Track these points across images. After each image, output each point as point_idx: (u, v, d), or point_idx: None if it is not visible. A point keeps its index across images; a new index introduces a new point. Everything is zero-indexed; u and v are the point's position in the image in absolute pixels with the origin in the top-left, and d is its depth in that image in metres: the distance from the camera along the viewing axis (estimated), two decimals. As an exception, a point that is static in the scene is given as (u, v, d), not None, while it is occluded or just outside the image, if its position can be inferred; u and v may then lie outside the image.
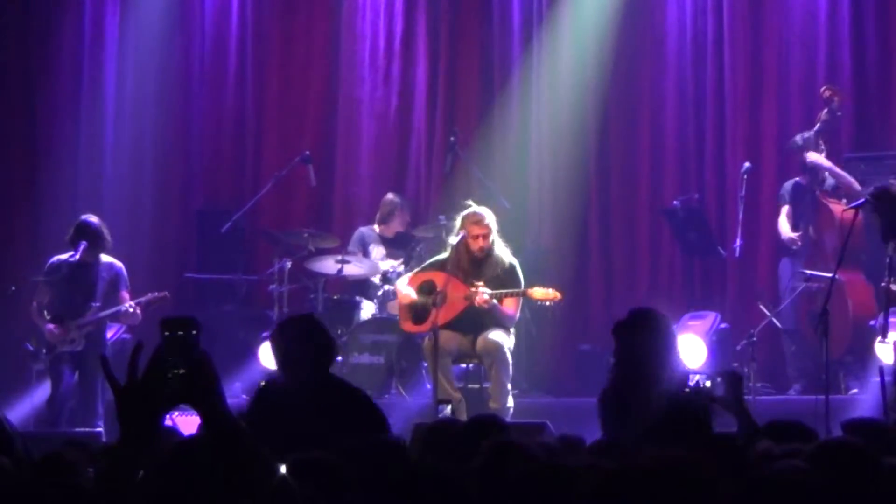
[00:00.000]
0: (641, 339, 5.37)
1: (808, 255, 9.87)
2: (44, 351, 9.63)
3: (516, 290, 9.09)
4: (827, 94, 10.07)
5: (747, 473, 3.32)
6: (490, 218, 9.24)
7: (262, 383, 6.33)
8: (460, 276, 9.16)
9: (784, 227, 10.06)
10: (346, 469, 4.15)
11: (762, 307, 9.53)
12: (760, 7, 11.27)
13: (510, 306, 9.16)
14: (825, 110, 10.03)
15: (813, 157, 9.94)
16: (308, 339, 5.81)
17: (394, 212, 11.13)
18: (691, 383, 5.19)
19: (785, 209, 10.14)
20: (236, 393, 10.61)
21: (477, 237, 9.14)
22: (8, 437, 4.92)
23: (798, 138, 10.17)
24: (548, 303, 9.18)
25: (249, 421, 5.41)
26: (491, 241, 9.19)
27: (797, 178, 10.21)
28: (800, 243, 9.92)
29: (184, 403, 2.95)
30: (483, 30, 11.99)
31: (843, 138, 10.73)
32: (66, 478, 4.04)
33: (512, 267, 9.22)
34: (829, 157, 10.08)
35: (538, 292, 9.09)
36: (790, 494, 3.19)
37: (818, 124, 10.03)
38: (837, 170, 9.99)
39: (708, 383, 5.16)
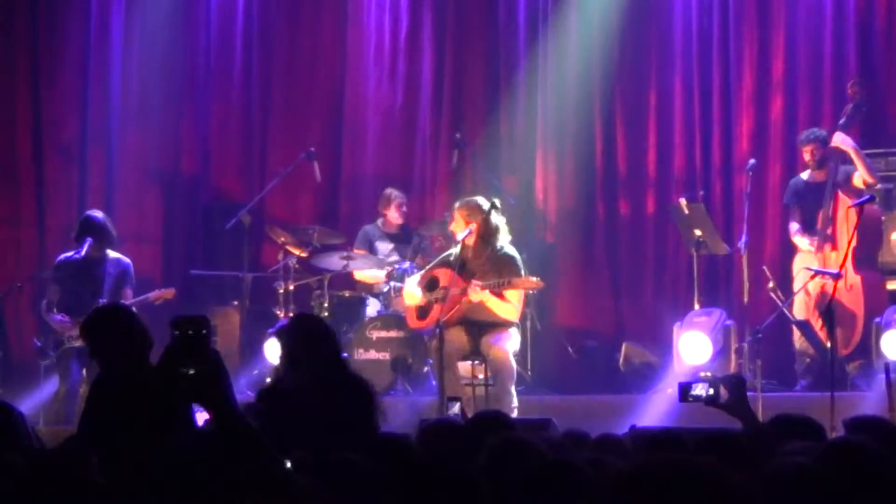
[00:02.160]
0: (305, 341, 5.78)
1: (825, 252, 9.84)
2: (52, 347, 9.65)
3: (500, 280, 9.07)
4: (853, 89, 10.05)
5: (755, 472, 3.32)
6: (467, 206, 9.24)
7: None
8: (465, 274, 9.17)
9: (801, 242, 9.99)
10: (353, 465, 4.16)
11: (773, 296, 9.52)
12: (766, 2, 11.26)
13: (510, 298, 9.13)
14: (850, 105, 10.01)
15: (840, 137, 9.88)
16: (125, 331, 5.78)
17: (387, 204, 11.16)
18: (694, 392, 5.11)
19: (796, 216, 10.09)
20: (242, 389, 10.61)
21: (457, 222, 9.21)
22: (20, 434, 4.95)
23: (807, 134, 10.11)
24: (531, 291, 9.21)
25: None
26: (476, 227, 9.16)
27: (801, 178, 10.19)
28: (815, 248, 9.87)
29: (194, 402, 2.96)
30: (489, 25, 11.99)
31: (850, 134, 10.71)
32: (74, 471, 4.05)
33: (507, 255, 9.20)
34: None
35: (521, 282, 9.09)
36: (797, 491, 3.19)
37: (843, 118, 10.00)
38: (861, 154, 9.93)
39: (711, 390, 5.08)
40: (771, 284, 9.56)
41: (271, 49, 12.36)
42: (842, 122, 10.00)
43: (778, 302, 9.43)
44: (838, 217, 9.79)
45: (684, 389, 5.14)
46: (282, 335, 5.99)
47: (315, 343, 5.83)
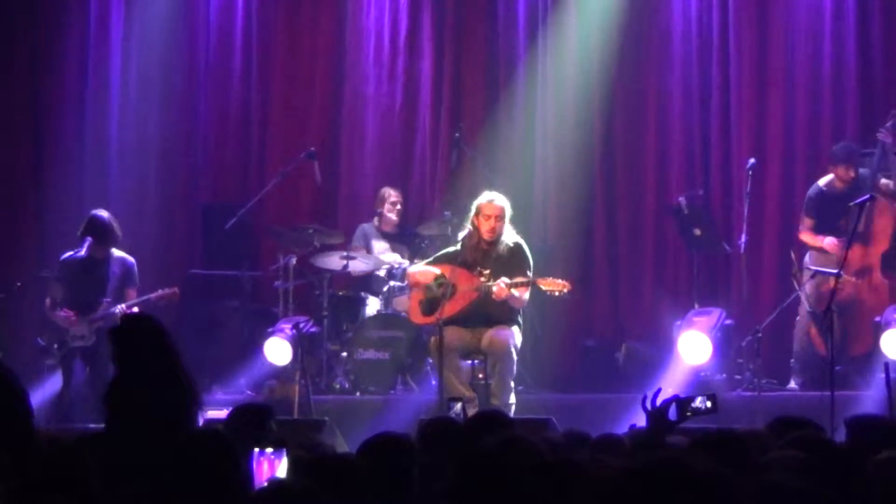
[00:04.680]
0: (138, 343, 5.77)
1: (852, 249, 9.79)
2: (55, 346, 9.62)
3: (526, 279, 9.08)
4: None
5: (750, 471, 3.33)
6: (503, 201, 9.25)
7: None
8: (468, 266, 9.16)
9: (813, 240, 9.95)
10: (352, 465, 4.16)
11: (794, 281, 9.48)
12: (765, 3, 11.26)
13: (520, 295, 9.13)
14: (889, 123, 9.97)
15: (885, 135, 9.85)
16: None
17: (382, 203, 11.18)
18: (695, 404, 4.89)
19: (808, 223, 10.05)
20: (241, 389, 10.63)
21: (489, 217, 9.14)
22: (28, 430, 4.98)
23: (843, 150, 10.03)
24: (556, 292, 9.13)
25: None
26: (503, 226, 9.18)
27: (819, 186, 10.13)
28: (836, 244, 9.82)
29: None
30: (488, 25, 11.98)
31: (849, 134, 10.73)
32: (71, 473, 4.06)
33: (517, 246, 9.21)
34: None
35: (546, 282, 9.07)
36: (793, 491, 3.20)
37: (891, 120, 9.93)
38: None
39: (709, 403, 4.90)
40: (794, 270, 9.51)
41: (270, 48, 12.35)
42: (890, 123, 9.90)
43: (796, 286, 9.39)
44: (876, 218, 9.74)
45: (682, 406, 4.80)
46: (113, 336, 5.95)
47: (146, 345, 5.80)
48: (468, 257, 9.20)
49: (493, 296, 8.99)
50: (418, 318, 9.56)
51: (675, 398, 4.83)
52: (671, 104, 11.45)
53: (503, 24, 11.90)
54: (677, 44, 11.44)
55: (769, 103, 11.18)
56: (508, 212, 9.25)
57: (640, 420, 4.90)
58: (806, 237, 10.06)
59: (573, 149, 11.57)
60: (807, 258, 10.04)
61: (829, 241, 9.88)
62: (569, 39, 11.65)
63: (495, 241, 9.19)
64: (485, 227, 9.16)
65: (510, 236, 9.25)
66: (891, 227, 9.37)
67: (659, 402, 4.75)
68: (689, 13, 11.43)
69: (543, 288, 9.07)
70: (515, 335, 9.16)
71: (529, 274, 9.14)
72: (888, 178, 9.87)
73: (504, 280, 8.99)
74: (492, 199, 9.24)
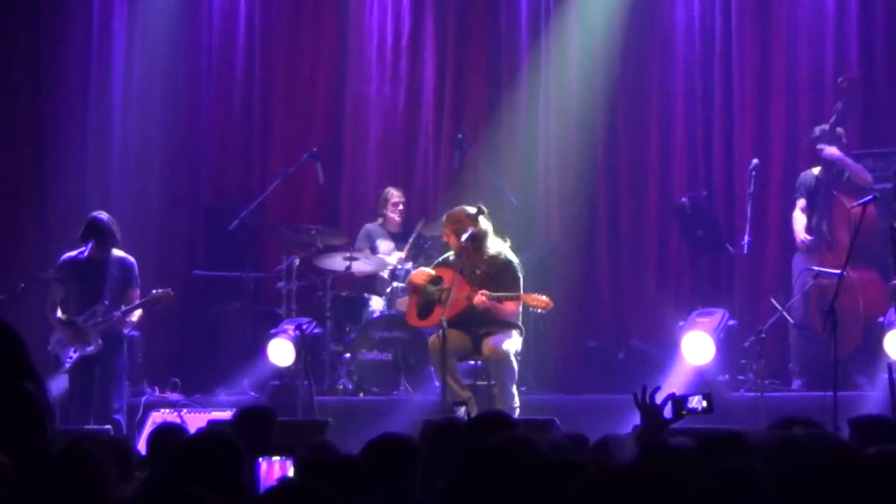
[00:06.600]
0: None
1: (822, 251, 9.87)
2: (65, 356, 9.50)
3: (513, 293, 9.06)
4: (844, 84, 10.06)
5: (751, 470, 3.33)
6: (448, 217, 9.23)
7: None
8: (463, 273, 9.16)
9: (798, 225, 10.01)
10: (355, 466, 4.17)
11: (773, 301, 9.53)
12: (768, 3, 11.26)
13: (509, 304, 9.12)
14: (842, 101, 10.02)
15: (829, 150, 9.92)
16: None
17: (385, 203, 11.19)
18: (691, 404, 4.86)
19: (801, 203, 10.10)
20: (244, 390, 10.63)
21: (448, 237, 9.18)
22: (42, 423, 4.99)
23: (817, 130, 10.13)
24: (540, 310, 9.08)
25: None
26: (465, 238, 9.08)
27: (813, 171, 10.17)
28: (808, 243, 9.89)
29: None
30: (491, 26, 11.99)
31: (851, 134, 10.71)
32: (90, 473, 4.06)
33: (505, 264, 9.16)
34: (847, 146, 10.07)
35: (531, 298, 9.03)
36: (793, 488, 3.20)
37: (834, 115, 10.02)
38: (850, 161, 9.95)
39: (705, 402, 4.88)
40: (773, 301, 9.54)
41: (273, 49, 12.36)
42: (833, 119, 10.00)
43: (777, 305, 9.43)
44: (836, 218, 9.79)
45: (677, 405, 4.80)
46: None
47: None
48: (463, 265, 9.21)
49: (476, 304, 8.99)
50: (414, 320, 9.57)
51: (672, 396, 4.83)
52: (674, 105, 11.45)
53: (505, 24, 11.91)
54: (680, 44, 11.44)
55: (772, 104, 11.18)
56: (464, 224, 9.11)
57: (638, 418, 4.91)
58: (796, 220, 10.04)
59: (576, 149, 11.58)
60: (795, 260, 10.05)
61: (806, 237, 9.93)
62: (571, 40, 11.66)
63: (477, 251, 9.15)
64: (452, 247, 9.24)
65: (498, 250, 9.20)
66: (851, 221, 9.36)
67: (655, 399, 4.75)
68: (691, 14, 11.43)
69: (528, 304, 9.04)
70: (514, 340, 9.13)
71: (519, 290, 9.11)
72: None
73: (485, 292, 8.98)
74: (441, 223, 9.32)
